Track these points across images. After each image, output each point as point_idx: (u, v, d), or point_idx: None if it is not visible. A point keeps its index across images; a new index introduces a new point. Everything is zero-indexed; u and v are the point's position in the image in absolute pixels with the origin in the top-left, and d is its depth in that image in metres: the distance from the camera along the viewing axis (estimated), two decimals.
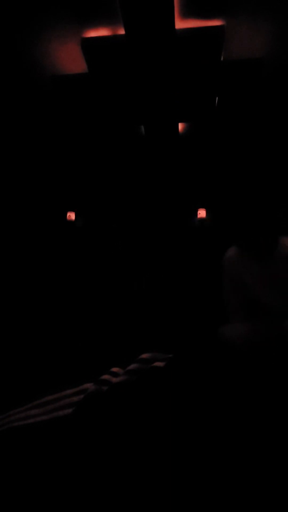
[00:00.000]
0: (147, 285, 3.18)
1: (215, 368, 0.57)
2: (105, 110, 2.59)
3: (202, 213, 3.33)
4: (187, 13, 1.84)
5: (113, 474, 0.49)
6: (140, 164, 3.35)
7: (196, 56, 2.07)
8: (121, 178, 3.48)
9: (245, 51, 2.09)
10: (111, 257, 3.33)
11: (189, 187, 3.43)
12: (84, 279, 3.25)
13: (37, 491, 0.50)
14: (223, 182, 3.32)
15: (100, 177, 3.48)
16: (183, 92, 2.38)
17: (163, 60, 2.08)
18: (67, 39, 1.99)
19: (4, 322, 2.78)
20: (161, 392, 0.54)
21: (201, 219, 3.33)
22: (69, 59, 2.14)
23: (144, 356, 0.63)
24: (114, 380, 0.57)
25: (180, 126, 2.85)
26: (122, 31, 1.92)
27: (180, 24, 1.90)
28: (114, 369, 0.62)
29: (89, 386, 0.58)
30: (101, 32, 1.95)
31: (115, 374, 0.60)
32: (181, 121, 2.77)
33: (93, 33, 1.96)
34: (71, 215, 3.42)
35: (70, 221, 3.42)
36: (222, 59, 2.11)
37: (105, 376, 0.59)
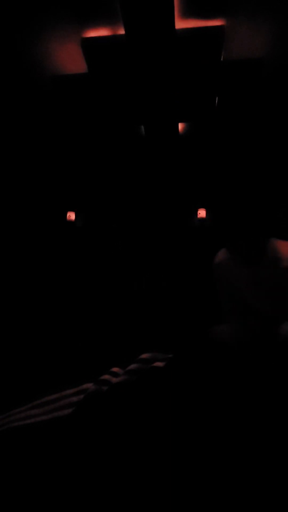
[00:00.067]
0: (147, 285, 3.18)
1: (214, 368, 0.57)
2: (105, 110, 2.59)
3: (202, 213, 3.33)
4: (187, 13, 1.84)
5: (113, 473, 0.49)
6: (140, 164, 3.35)
7: (196, 56, 2.07)
8: (121, 178, 3.48)
9: (245, 51, 2.09)
10: (111, 257, 3.33)
11: (189, 187, 3.43)
12: (84, 279, 3.25)
13: (37, 491, 0.50)
14: (223, 182, 3.32)
15: (100, 177, 3.48)
16: (183, 92, 2.38)
17: (163, 60, 2.08)
18: (67, 39, 1.99)
19: (4, 322, 2.78)
20: (161, 392, 0.54)
21: (201, 219, 3.33)
22: (69, 59, 2.14)
23: (144, 356, 0.63)
24: (114, 380, 0.57)
25: (180, 126, 2.85)
26: (122, 31, 1.92)
27: (180, 24, 1.90)
28: (114, 369, 0.62)
29: (89, 386, 0.58)
30: (101, 32, 1.95)
31: (115, 374, 0.60)
32: (181, 121, 2.77)
33: (93, 33, 1.96)
34: (71, 215, 3.42)
35: (70, 221, 3.42)
36: (222, 59, 2.11)
37: (105, 376, 0.59)
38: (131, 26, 1.86)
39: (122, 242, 3.37)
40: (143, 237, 3.37)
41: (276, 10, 1.81)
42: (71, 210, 3.44)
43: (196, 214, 3.35)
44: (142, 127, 2.84)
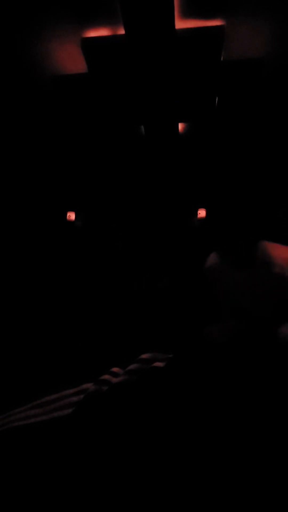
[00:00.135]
0: (147, 285, 3.18)
1: (208, 367, 0.57)
2: (105, 110, 2.58)
3: (202, 213, 3.33)
4: (187, 13, 1.84)
5: (113, 473, 0.49)
6: (140, 164, 3.35)
7: (196, 56, 2.07)
8: (121, 178, 3.48)
9: (245, 51, 2.09)
10: (111, 257, 3.33)
11: (189, 187, 3.43)
12: (84, 279, 3.25)
13: (37, 491, 0.50)
14: (223, 182, 3.32)
15: (100, 177, 3.48)
16: (183, 92, 2.38)
17: (163, 60, 2.07)
18: (67, 39, 1.99)
19: (4, 322, 2.78)
20: (161, 392, 0.54)
21: (201, 219, 3.34)
22: (69, 59, 2.14)
23: (144, 356, 0.63)
24: (114, 380, 0.57)
25: (180, 126, 2.85)
26: (122, 31, 1.92)
27: (180, 24, 1.90)
28: (114, 369, 0.62)
29: (89, 386, 0.58)
30: (101, 32, 1.95)
31: (115, 374, 0.60)
32: (181, 121, 2.77)
33: (93, 33, 1.96)
34: (71, 215, 3.42)
35: (70, 221, 3.42)
36: (222, 59, 2.11)
37: (105, 376, 0.59)
38: (131, 26, 1.86)
39: (122, 242, 3.37)
40: (143, 237, 3.37)
41: (276, 10, 1.81)
42: (71, 210, 3.44)
43: (196, 214, 3.35)
44: (142, 127, 2.84)
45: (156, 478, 0.48)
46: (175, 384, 0.55)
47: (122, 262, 3.30)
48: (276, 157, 3.17)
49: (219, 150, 3.16)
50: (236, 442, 0.49)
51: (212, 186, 3.38)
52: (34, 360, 2.33)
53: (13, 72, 2.24)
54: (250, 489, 0.46)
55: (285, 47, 2.06)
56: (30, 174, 3.38)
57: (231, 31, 1.94)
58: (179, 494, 0.47)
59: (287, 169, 3.18)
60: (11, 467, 0.52)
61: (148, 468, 0.48)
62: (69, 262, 3.33)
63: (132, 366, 0.60)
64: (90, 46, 2.01)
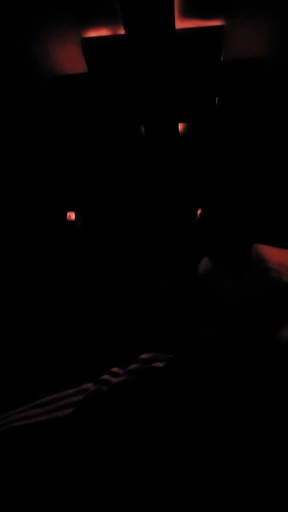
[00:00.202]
0: (147, 285, 3.18)
1: (213, 368, 0.57)
2: (105, 110, 2.58)
3: None
4: (187, 13, 1.84)
5: (113, 474, 0.49)
6: (140, 164, 3.35)
7: (196, 56, 2.07)
8: (121, 178, 3.48)
9: (245, 51, 2.09)
10: (111, 257, 3.33)
11: (189, 187, 3.43)
12: (84, 279, 3.25)
13: (37, 491, 0.50)
14: (223, 182, 3.32)
15: (100, 177, 3.48)
16: (183, 92, 2.38)
17: (163, 60, 2.08)
18: (67, 39, 1.98)
19: (4, 322, 2.78)
20: (161, 392, 0.54)
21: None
22: (69, 59, 2.14)
23: (144, 356, 0.63)
24: (114, 380, 0.57)
25: (180, 126, 2.85)
26: (122, 31, 1.92)
27: (180, 24, 1.90)
28: (114, 369, 0.62)
29: (89, 386, 0.58)
30: (101, 32, 1.95)
31: (115, 374, 0.60)
32: (181, 121, 2.77)
33: (93, 33, 1.96)
34: (71, 215, 3.42)
35: (70, 221, 3.42)
36: (222, 59, 2.11)
37: (105, 376, 0.59)
38: (131, 26, 1.86)
39: (122, 242, 3.37)
40: (143, 237, 3.37)
41: (276, 10, 1.81)
42: (71, 210, 3.44)
43: (196, 214, 3.35)
44: (142, 127, 2.84)
45: (156, 478, 0.48)
46: (175, 384, 0.55)
47: (122, 262, 3.30)
48: (276, 157, 3.17)
49: (219, 150, 3.16)
50: (236, 443, 0.49)
51: (212, 186, 3.38)
52: (34, 360, 2.33)
53: (13, 72, 2.24)
54: (250, 489, 0.46)
55: (285, 47, 2.06)
56: (30, 174, 3.38)
57: (231, 31, 1.94)
58: (179, 494, 0.47)
59: (287, 169, 3.17)
60: (11, 467, 0.52)
61: (148, 468, 0.48)
62: (69, 262, 3.33)
63: (132, 366, 0.60)
64: (90, 46, 2.01)
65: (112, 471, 0.49)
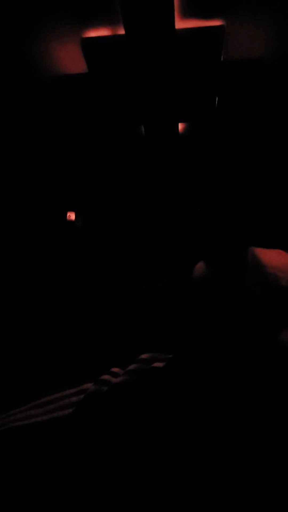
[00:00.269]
0: (147, 285, 3.18)
1: (213, 368, 0.57)
2: (105, 110, 2.59)
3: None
4: (187, 13, 1.84)
5: (113, 474, 0.49)
6: (140, 164, 3.35)
7: (196, 56, 2.07)
8: (121, 178, 3.48)
9: (245, 51, 2.09)
10: (111, 257, 3.33)
11: (189, 187, 3.43)
12: (84, 279, 3.25)
13: (37, 491, 0.50)
14: (223, 182, 3.32)
15: (100, 177, 3.48)
16: (183, 92, 2.38)
17: (163, 60, 2.08)
18: (67, 39, 1.98)
19: (4, 322, 2.78)
20: (161, 392, 0.54)
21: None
22: (69, 59, 2.14)
23: (144, 356, 0.63)
24: (114, 380, 0.57)
25: (180, 126, 2.85)
26: (122, 31, 1.92)
27: (180, 24, 1.90)
28: (114, 369, 0.62)
29: (89, 386, 0.58)
30: (101, 32, 1.95)
31: (115, 375, 0.60)
32: (181, 121, 2.77)
33: (93, 33, 1.96)
34: (71, 215, 3.42)
35: (70, 221, 3.42)
36: (222, 59, 2.11)
37: (105, 376, 0.59)
38: (131, 26, 1.86)
39: (122, 242, 3.37)
40: (143, 237, 3.37)
41: (276, 10, 1.81)
42: (71, 210, 3.44)
43: (196, 214, 3.35)
44: (142, 127, 2.84)
45: (156, 478, 0.48)
46: (175, 384, 0.55)
47: (122, 262, 3.30)
48: (276, 157, 3.17)
49: (219, 150, 3.16)
50: (236, 443, 0.49)
51: (213, 186, 3.38)
52: (34, 360, 2.33)
53: (13, 72, 2.24)
54: (250, 489, 0.46)
55: (285, 47, 2.06)
56: (30, 174, 3.38)
57: (231, 31, 1.94)
58: (179, 494, 0.47)
59: (287, 169, 3.17)
60: (11, 467, 0.52)
61: (148, 468, 0.48)
62: (69, 262, 3.33)
63: (132, 366, 0.60)
64: (90, 46, 2.01)
65: (112, 471, 0.49)
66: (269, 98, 2.49)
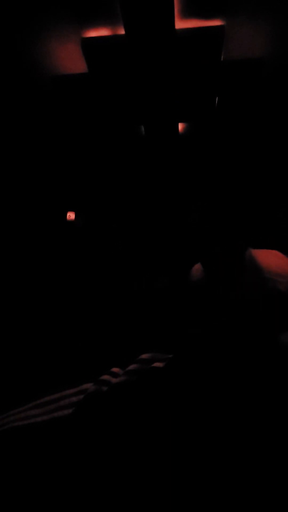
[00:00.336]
0: (147, 285, 3.18)
1: (214, 369, 0.57)
2: (105, 110, 2.59)
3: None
4: (187, 13, 1.84)
5: (113, 474, 0.49)
6: (140, 164, 3.35)
7: (196, 56, 2.07)
8: (121, 178, 3.48)
9: (245, 51, 2.09)
10: (111, 257, 3.33)
11: (189, 187, 3.43)
12: (84, 279, 3.25)
13: (37, 491, 0.50)
14: (224, 182, 3.32)
15: (100, 177, 3.48)
16: (183, 92, 2.38)
17: (163, 60, 2.08)
18: (67, 39, 1.99)
19: (4, 322, 2.78)
20: (161, 393, 0.54)
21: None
22: (69, 59, 2.14)
23: (144, 356, 0.63)
24: (114, 380, 0.57)
25: (180, 126, 2.85)
26: (122, 31, 1.92)
27: (180, 24, 1.90)
28: (114, 370, 0.62)
29: (89, 386, 0.58)
30: (101, 32, 1.95)
31: (115, 375, 0.60)
32: (181, 121, 2.77)
33: (93, 33, 1.96)
34: (71, 215, 3.42)
35: (70, 221, 3.42)
36: (222, 59, 2.11)
37: (105, 377, 0.59)
38: (131, 26, 1.86)
39: (122, 242, 3.37)
40: (143, 237, 3.37)
41: (276, 10, 1.81)
42: (71, 210, 3.44)
43: (196, 214, 3.35)
44: (142, 127, 2.84)
45: (156, 478, 0.48)
46: (174, 384, 0.55)
47: (122, 262, 3.30)
48: (276, 157, 3.17)
49: (219, 150, 3.16)
50: (236, 443, 0.49)
51: (213, 186, 3.38)
52: (34, 360, 2.33)
53: (13, 72, 2.24)
54: (250, 489, 0.46)
55: (285, 47, 2.06)
56: (30, 174, 3.38)
57: (231, 31, 1.94)
58: (179, 494, 0.47)
59: (287, 169, 3.17)
60: (11, 467, 0.52)
61: (148, 468, 0.48)
62: (69, 262, 3.33)
63: (132, 367, 0.60)
64: (90, 46, 2.01)
65: (112, 471, 0.49)
66: (269, 98, 2.49)
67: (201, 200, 3.37)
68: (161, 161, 3.31)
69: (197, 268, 0.85)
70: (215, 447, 0.49)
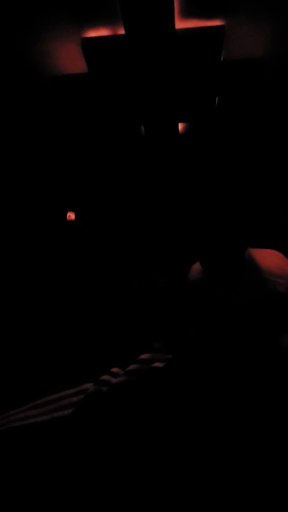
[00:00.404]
0: (147, 285, 3.18)
1: (214, 369, 0.57)
2: (105, 110, 2.59)
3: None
4: (187, 13, 1.84)
5: (113, 474, 0.49)
6: (140, 164, 3.35)
7: (196, 56, 2.07)
8: (121, 178, 3.48)
9: (245, 51, 2.09)
10: (111, 257, 3.33)
11: (189, 187, 3.43)
12: (84, 279, 3.25)
13: (37, 491, 0.50)
14: (224, 182, 3.32)
15: (100, 177, 3.48)
16: (183, 92, 2.38)
17: (163, 60, 2.08)
18: (67, 39, 1.98)
19: (4, 322, 2.78)
20: (160, 393, 0.54)
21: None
22: (69, 59, 2.14)
23: (143, 356, 0.63)
24: (114, 380, 0.57)
25: (180, 126, 2.85)
26: (122, 31, 1.92)
27: (180, 24, 1.89)
28: (114, 370, 0.62)
29: (89, 386, 0.58)
30: (101, 32, 1.95)
31: (115, 375, 0.60)
32: (181, 121, 2.77)
33: (93, 33, 1.96)
34: (71, 215, 3.42)
35: (70, 221, 3.42)
36: (222, 59, 2.11)
37: (105, 377, 0.59)
38: (131, 26, 1.86)
39: (122, 242, 3.37)
40: (143, 237, 3.37)
41: (276, 10, 1.81)
42: (71, 210, 3.44)
43: (196, 214, 3.35)
44: (142, 127, 2.84)
45: (156, 478, 0.48)
46: (174, 384, 0.55)
47: (122, 262, 3.30)
48: (276, 157, 3.17)
49: (219, 150, 3.16)
50: (236, 444, 0.49)
51: (213, 186, 3.38)
52: (34, 360, 2.33)
53: (13, 72, 2.24)
54: (250, 489, 0.46)
55: (285, 47, 2.06)
56: (30, 174, 3.38)
57: (231, 31, 1.94)
58: (179, 494, 0.47)
59: (287, 169, 3.17)
60: (11, 467, 0.52)
61: (148, 468, 0.48)
62: (69, 262, 3.33)
63: (131, 367, 0.60)
64: (90, 46, 2.01)
65: (112, 471, 0.49)
66: (269, 98, 2.49)
67: (201, 200, 3.37)
68: (161, 161, 3.31)
69: (196, 268, 0.84)
70: (215, 447, 0.49)
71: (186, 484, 0.47)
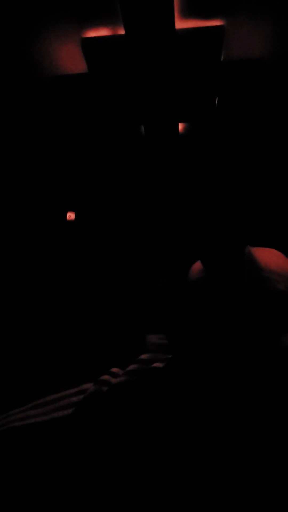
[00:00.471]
0: (147, 285, 3.18)
1: (213, 369, 0.57)
2: (105, 110, 2.59)
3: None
4: (187, 13, 1.84)
5: (113, 474, 0.49)
6: (140, 164, 3.35)
7: (196, 56, 2.07)
8: (121, 178, 3.48)
9: (245, 51, 2.09)
10: (111, 257, 3.33)
11: (189, 187, 3.43)
12: (84, 279, 3.25)
13: (37, 491, 0.50)
14: (224, 182, 3.32)
15: (100, 177, 3.48)
16: (183, 92, 2.38)
17: (163, 60, 2.08)
18: (67, 39, 1.98)
19: (4, 322, 2.78)
20: (160, 393, 0.54)
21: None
22: (69, 59, 2.14)
23: (143, 356, 0.63)
24: (114, 380, 0.57)
25: (180, 126, 2.85)
26: (122, 31, 1.92)
27: (180, 24, 1.90)
28: (114, 370, 0.62)
29: (89, 386, 0.58)
30: (101, 32, 1.95)
31: (114, 375, 0.60)
32: (181, 121, 2.77)
33: (93, 33, 1.96)
34: (71, 215, 3.42)
35: (70, 221, 3.42)
36: (222, 59, 2.11)
37: (105, 377, 0.59)
38: (131, 26, 1.86)
39: (122, 242, 3.37)
40: (143, 237, 3.37)
41: (276, 10, 1.81)
42: (71, 210, 3.44)
43: (196, 214, 3.35)
44: (142, 127, 2.84)
45: (156, 479, 0.48)
46: (174, 384, 0.55)
47: (122, 262, 3.30)
48: (276, 157, 3.17)
49: (219, 150, 3.16)
50: (236, 444, 0.49)
51: (213, 186, 3.38)
52: (34, 360, 2.33)
53: (13, 72, 2.24)
54: (250, 489, 0.46)
55: (285, 47, 2.06)
56: (30, 174, 3.38)
57: (231, 31, 1.94)
58: (179, 494, 0.47)
59: (287, 169, 3.18)
60: (11, 467, 0.52)
61: (148, 469, 0.48)
62: (69, 262, 3.33)
63: (131, 367, 0.60)
64: (90, 46, 2.01)
65: (112, 471, 0.49)
66: (269, 98, 2.49)
67: (201, 200, 3.37)
68: (161, 161, 3.31)
69: (196, 267, 0.84)
70: (215, 447, 0.49)
71: (186, 484, 0.47)
